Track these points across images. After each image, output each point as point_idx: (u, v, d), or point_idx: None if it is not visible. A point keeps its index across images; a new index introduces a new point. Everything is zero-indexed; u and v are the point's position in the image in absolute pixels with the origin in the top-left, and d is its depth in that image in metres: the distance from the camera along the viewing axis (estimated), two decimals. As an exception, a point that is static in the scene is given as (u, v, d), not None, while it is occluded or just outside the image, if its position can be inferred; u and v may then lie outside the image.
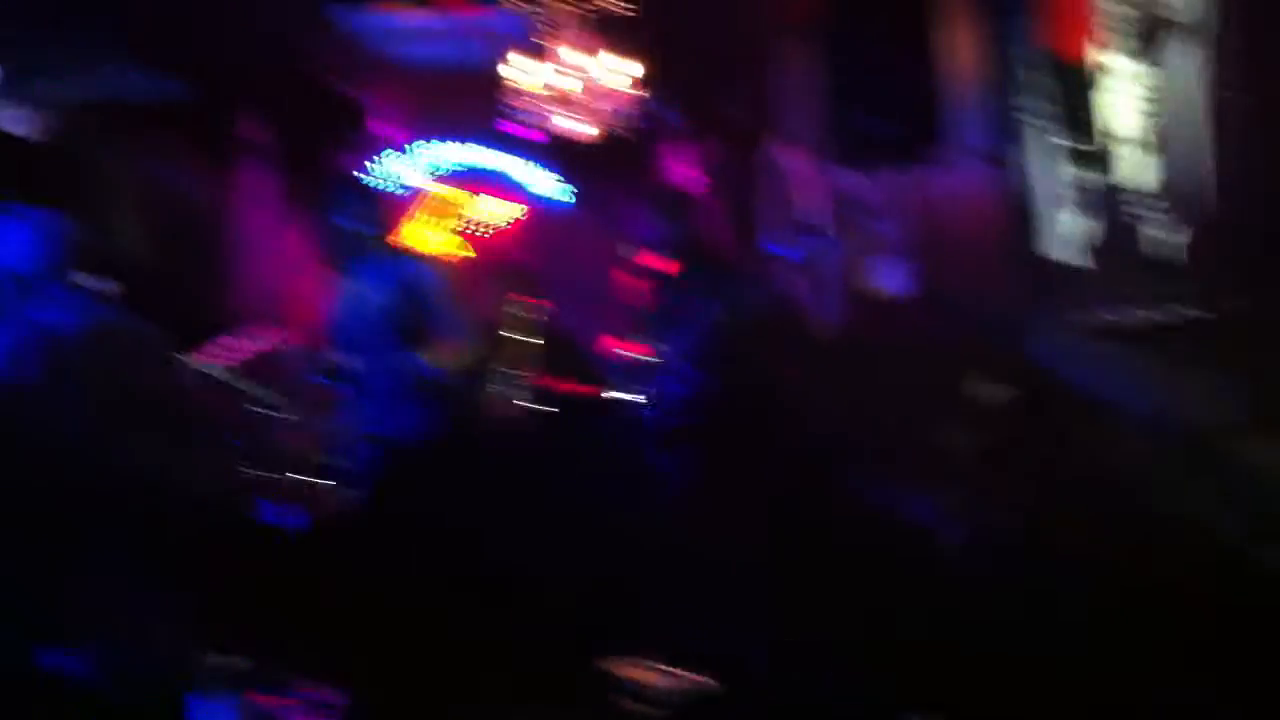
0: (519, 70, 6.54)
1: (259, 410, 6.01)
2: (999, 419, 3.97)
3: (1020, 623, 2.33)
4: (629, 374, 5.51)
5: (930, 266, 5.66)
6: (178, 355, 5.13)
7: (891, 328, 5.96)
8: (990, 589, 2.43)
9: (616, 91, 6.52)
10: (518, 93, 6.56)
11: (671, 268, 5.58)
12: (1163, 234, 4.38)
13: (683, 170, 7.73)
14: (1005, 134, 4.97)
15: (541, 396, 5.95)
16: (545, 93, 6.52)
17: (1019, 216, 5.17)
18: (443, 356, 4.83)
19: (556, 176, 8.01)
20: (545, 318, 6.07)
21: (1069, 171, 4.97)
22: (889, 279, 6.01)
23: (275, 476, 6.18)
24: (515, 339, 5.83)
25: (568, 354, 6.21)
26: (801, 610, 2.36)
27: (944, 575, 2.46)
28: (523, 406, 5.89)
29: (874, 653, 2.22)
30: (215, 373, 5.34)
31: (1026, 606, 2.37)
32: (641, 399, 5.38)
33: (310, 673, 5.29)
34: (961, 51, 5.08)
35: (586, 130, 6.60)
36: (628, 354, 5.55)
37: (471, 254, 7.68)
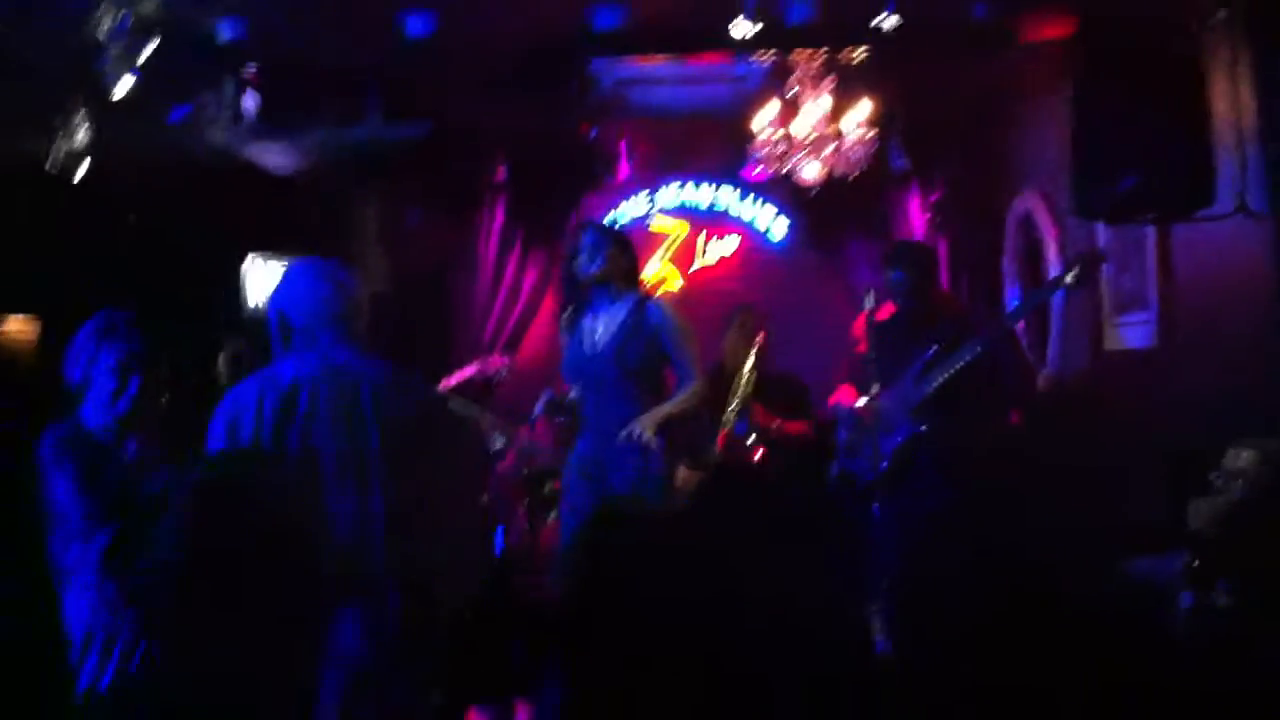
0: (758, 115, 6.54)
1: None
2: (1246, 483, 3.71)
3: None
4: (849, 420, 5.40)
5: (1181, 323, 5.40)
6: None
7: (1134, 383, 5.71)
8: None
9: (854, 138, 6.45)
10: (755, 136, 6.56)
11: (900, 314, 5.46)
12: None
13: (917, 217, 7.61)
14: (1272, 187, 4.70)
15: (767, 437, 5.91)
16: (782, 137, 6.50)
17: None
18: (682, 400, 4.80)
19: (789, 219, 7.98)
20: (770, 359, 6.03)
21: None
22: (1134, 334, 5.77)
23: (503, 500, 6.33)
24: (744, 379, 5.81)
25: (791, 396, 6.15)
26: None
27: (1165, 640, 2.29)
28: (755, 447, 5.86)
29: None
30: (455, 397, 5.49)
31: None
32: (859, 447, 5.27)
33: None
34: (1227, 102, 4.85)
35: (821, 174, 6.55)
36: (849, 400, 5.44)
37: (702, 294, 7.73)
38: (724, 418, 5.73)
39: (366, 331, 3.83)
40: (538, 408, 4.92)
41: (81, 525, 3.33)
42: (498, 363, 6.07)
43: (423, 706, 3.46)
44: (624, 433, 4.60)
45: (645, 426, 4.60)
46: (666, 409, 4.68)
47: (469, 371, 5.92)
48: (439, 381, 5.63)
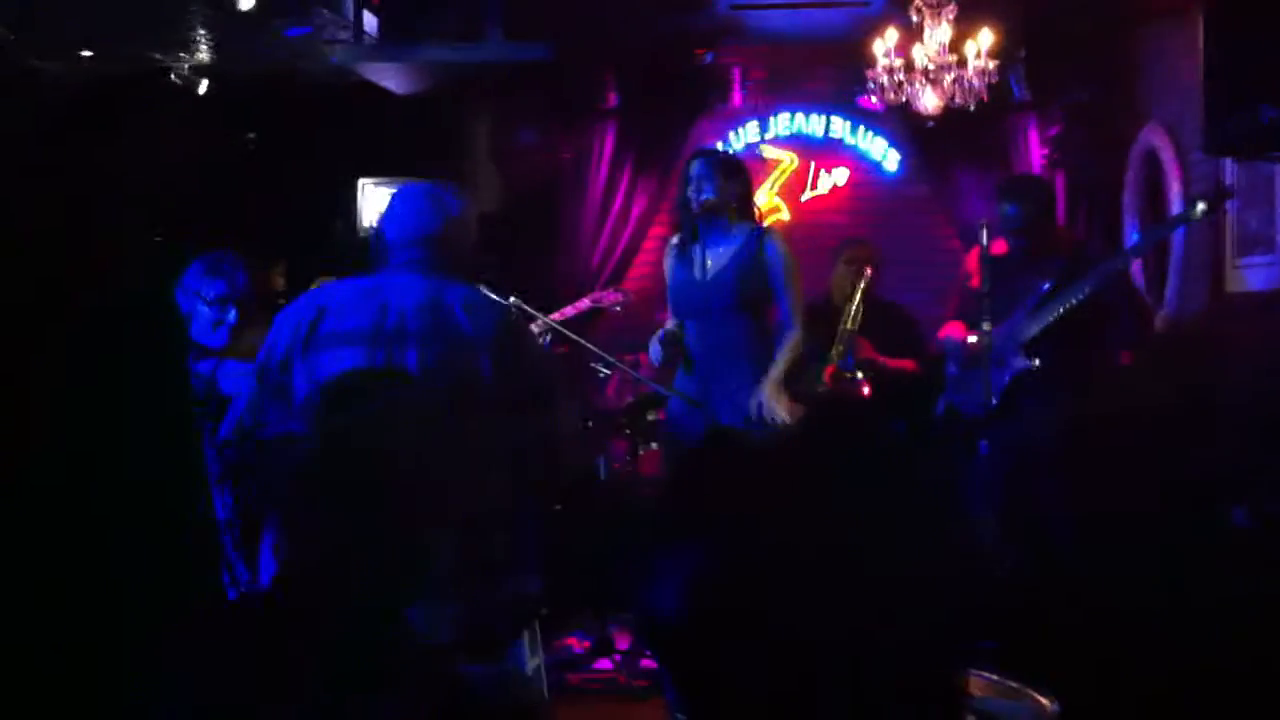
0: (876, 42, 6.43)
1: (595, 366, 6.19)
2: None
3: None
4: (959, 355, 5.33)
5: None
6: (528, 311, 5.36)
7: (1255, 326, 5.56)
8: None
9: (975, 68, 6.31)
10: (874, 64, 6.45)
11: (1013, 249, 5.35)
12: None
13: (1035, 150, 7.45)
14: None
15: (874, 372, 5.86)
16: (901, 65, 6.39)
17: None
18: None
19: (902, 151, 7.86)
20: (878, 294, 5.96)
21: None
22: (1257, 276, 5.61)
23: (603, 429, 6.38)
24: (851, 315, 5.75)
25: (899, 330, 6.09)
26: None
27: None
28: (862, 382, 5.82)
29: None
30: (554, 327, 5.51)
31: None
32: (968, 382, 5.20)
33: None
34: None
35: (939, 104, 6.43)
36: (959, 334, 5.37)
37: (812, 225, 7.66)
38: (830, 354, 5.69)
39: (473, 252, 3.87)
40: (654, 350, 4.90)
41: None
42: (612, 297, 6.07)
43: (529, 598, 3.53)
44: (754, 408, 4.59)
45: (773, 399, 4.61)
46: (780, 368, 4.67)
47: (583, 304, 5.93)
48: (552, 311, 5.65)
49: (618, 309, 6.14)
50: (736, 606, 1.61)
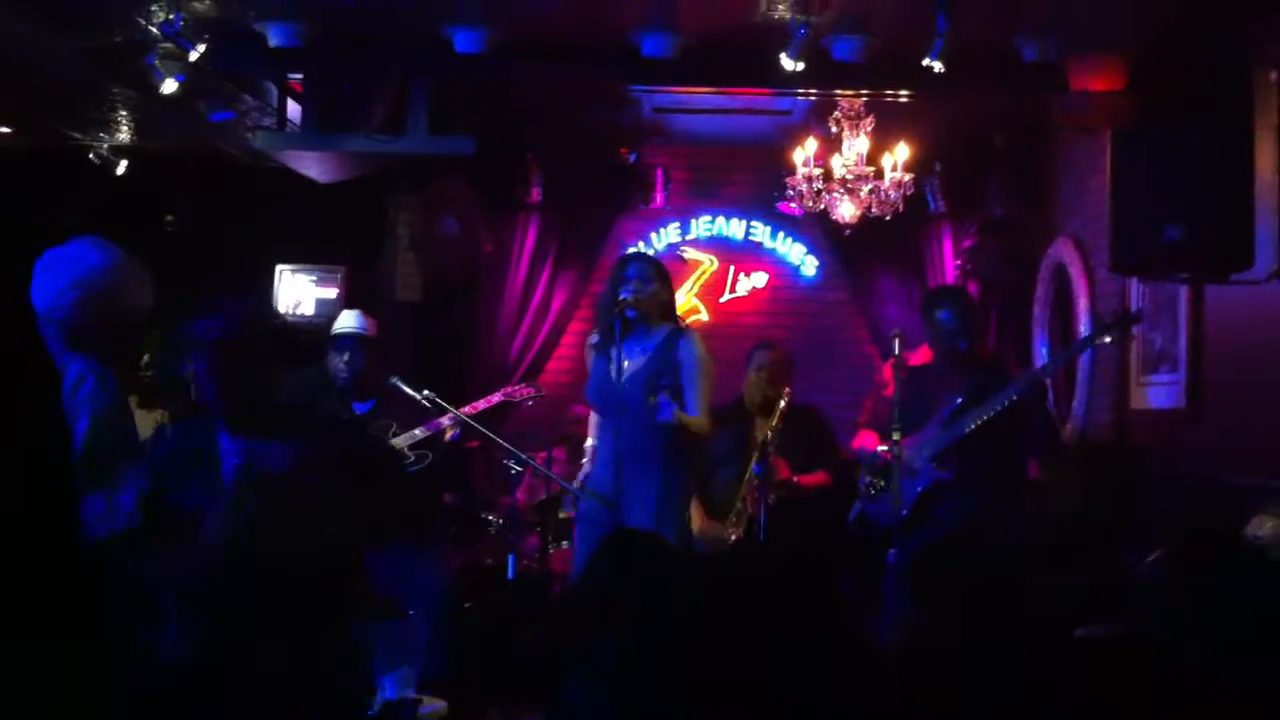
0: (796, 150, 6.55)
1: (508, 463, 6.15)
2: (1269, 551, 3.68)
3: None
4: (872, 464, 5.37)
5: (1209, 386, 5.36)
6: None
7: (1159, 443, 5.67)
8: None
9: (891, 179, 6.45)
10: (793, 171, 6.57)
11: (935, 359, 5.43)
12: None
13: (949, 260, 7.60)
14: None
15: (788, 492, 5.86)
16: (820, 173, 6.51)
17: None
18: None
19: (820, 257, 7.97)
20: (793, 400, 5.99)
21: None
22: (1160, 394, 5.73)
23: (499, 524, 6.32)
24: (770, 433, 5.77)
25: (814, 435, 6.11)
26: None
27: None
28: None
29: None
30: (466, 421, 5.49)
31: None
32: (880, 491, 5.24)
33: None
34: (1270, 164, 4.82)
35: (856, 213, 6.55)
36: (872, 444, 5.40)
37: (730, 327, 7.72)
38: (747, 473, 5.72)
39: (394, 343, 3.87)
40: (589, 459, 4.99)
41: None
42: (525, 391, 6.05)
43: None
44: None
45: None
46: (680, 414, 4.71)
47: (495, 399, 5.91)
48: (463, 404, 5.62)
49: (530, 403, 6.12)
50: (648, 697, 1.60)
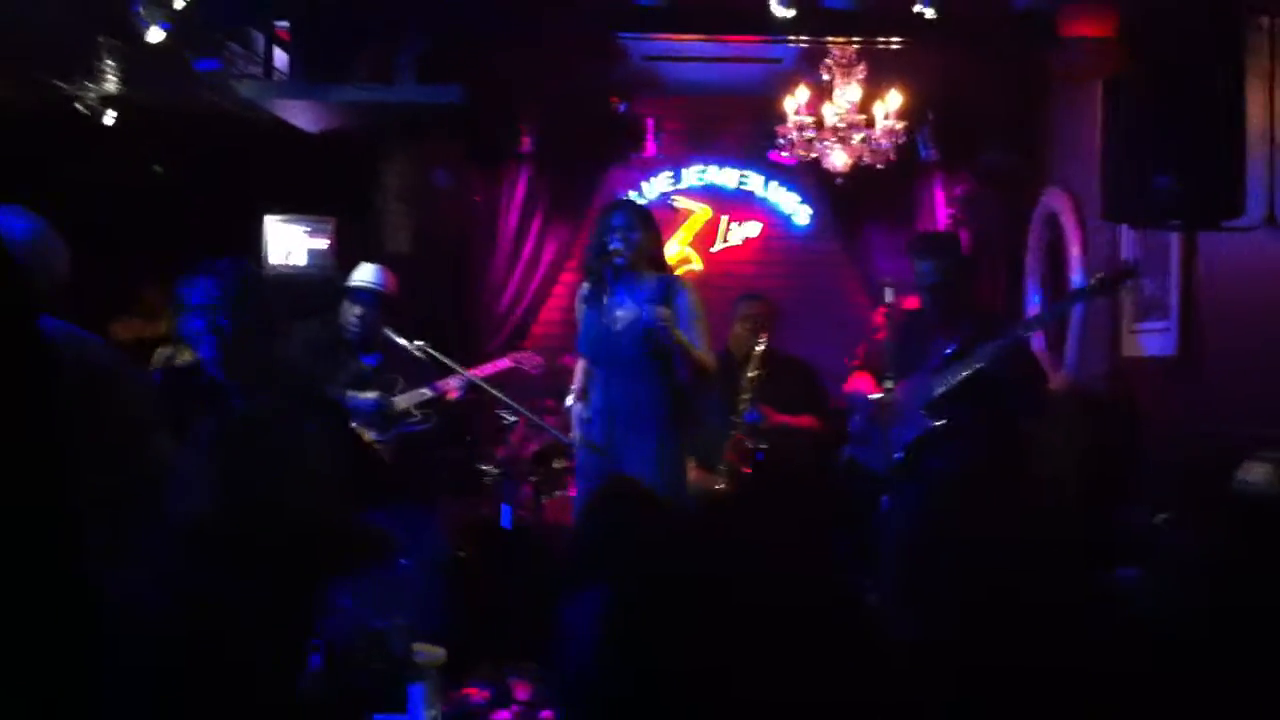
0: (788, 99, 6.52)
1: (501, 413, 6.16)
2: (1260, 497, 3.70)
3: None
4: (864, 409, 5.38)
5: (1201, 333, 5.37)
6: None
7: (1151, 391, 5.69)
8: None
9: (884, 128, 6.43)
10: (785, 120, 6.54)
11: (925, 307, 5.43)
12: None
13: (941, 209, 7.59)
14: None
15: (776, 435, 5.88)
16: (812, 122, 6.48)
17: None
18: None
19: (812, 206, 7.96)
20: (778, 350, 6.01)
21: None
22: (1153, 342, 5.74)
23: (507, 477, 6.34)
24: (750, 378, 5.79)
25: (800, 384, 6.13)
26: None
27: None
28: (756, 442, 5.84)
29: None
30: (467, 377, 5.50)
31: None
32: (871, 436, 5.25)
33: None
34: (1262, 111, 4.81)
35: (848, 162, 6.53)
36: (865, 388, 5.42)
37: (722, 277, 7.72)
38: (733, 419, 5.73)
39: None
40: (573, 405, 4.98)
41: None
42: (533, 359, 6.02)
43: None
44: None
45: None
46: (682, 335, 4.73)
47: (503, 364, 5.89)
48: (458, 357, 5.62)
49: (536, 371, 6.10)
50: (642, 650, 1.61)
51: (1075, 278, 6.35)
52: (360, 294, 5.57)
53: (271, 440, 2.21)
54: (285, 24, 6.01)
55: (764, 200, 8.05)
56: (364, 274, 5.62)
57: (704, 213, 8.03)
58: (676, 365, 4.74)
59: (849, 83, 6.43)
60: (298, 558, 2.16)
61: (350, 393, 5.50)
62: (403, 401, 5.57)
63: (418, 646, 3.88)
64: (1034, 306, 6.89)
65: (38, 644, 1.46)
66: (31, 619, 1.45)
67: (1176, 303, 5.50)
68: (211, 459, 2.17)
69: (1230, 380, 5.01)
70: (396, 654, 3.78)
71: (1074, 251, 6.45)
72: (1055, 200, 6.72)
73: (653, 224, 4.97)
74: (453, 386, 5.62)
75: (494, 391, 5.50)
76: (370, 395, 5.51)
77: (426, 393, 5.59)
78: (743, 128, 7.84)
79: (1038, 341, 6.32)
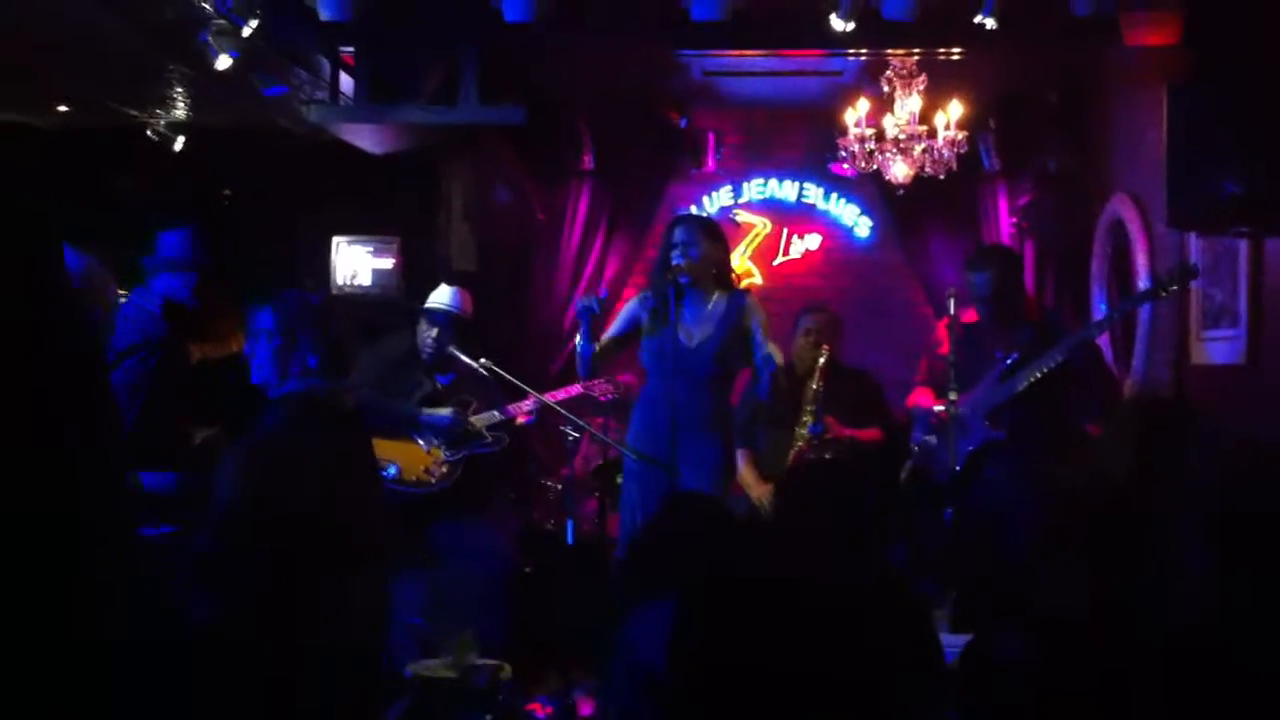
0: (848, 111, 6.52)
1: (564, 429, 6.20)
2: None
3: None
4: (926, 422, 5.36)
5: (1271, 340, 5.30)
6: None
7: (1219, 400, 5.61)
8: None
9: (945, 138, 6.40)
10: (845, 132, 6.54)
11: (982, 318, 5.40)
12: None
13: (1004, 218, 7.54)
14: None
15: (841, 448, 5.86)
16: (872, 134, 6.47)
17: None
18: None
19: (873, 218, 7.94)
20: (841, 364, 5.99)
21: None
22: (1221, 349, 5.67)
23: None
24: (813, 391, 5.78)
25: (864, 398, 6.11)
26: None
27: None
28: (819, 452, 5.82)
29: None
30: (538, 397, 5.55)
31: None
32: (934, 449, 5.24)
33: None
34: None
35: (909, 173, 6.51)
36: (927, 402, 5.40)
37: (784, 290, 7.71)
38: (797, 432, 5.72)
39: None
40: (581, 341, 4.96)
41: None
42: (603, 387, 6.05)
43: None
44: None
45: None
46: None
47: (574, 390, 5.93)
48: (536, 386, 5.66)
49: (606, 398, 6.13)
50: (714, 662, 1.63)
51: (1142, 284, 6.28)
52: (436, 315, 5.65)
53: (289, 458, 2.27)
54: (350, 50, 6.10)
55: (825, 213, 8.04)
56: (441, 296, 5.70)
57: (765, 226, 8.04)
58: (760, 385, 4.79)
59: (909, 94, 6.41)
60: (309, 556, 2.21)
61: (426, 410, 5.58)
62: (477, 422, 5.64)
63: (481, 661, 3.93)
64: (1100, 314, 6.82)
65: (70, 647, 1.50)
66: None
67: (1245, 310, 5.43)
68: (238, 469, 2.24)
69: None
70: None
71: (1140, 259, 6.38)
72: (1120, 206, 6.65)
73: (718, 238, 5.00)
74: (524, 410, 5.69)
75: (559, 409, 5.54)
76: (445, 412, 5.58)
77: (498, 415, 5.67)
78: (802, 141, 7.85)
79: (1105, 348, 6.26)
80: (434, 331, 5.63)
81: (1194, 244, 5.84)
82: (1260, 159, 4.74)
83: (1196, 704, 2.05)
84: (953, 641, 2.40)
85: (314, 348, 4.01)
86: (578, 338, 4.99)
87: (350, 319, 6.74)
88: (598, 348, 4.95)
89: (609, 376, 6.21)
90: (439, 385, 5.68)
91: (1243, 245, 5.42)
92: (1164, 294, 5.12)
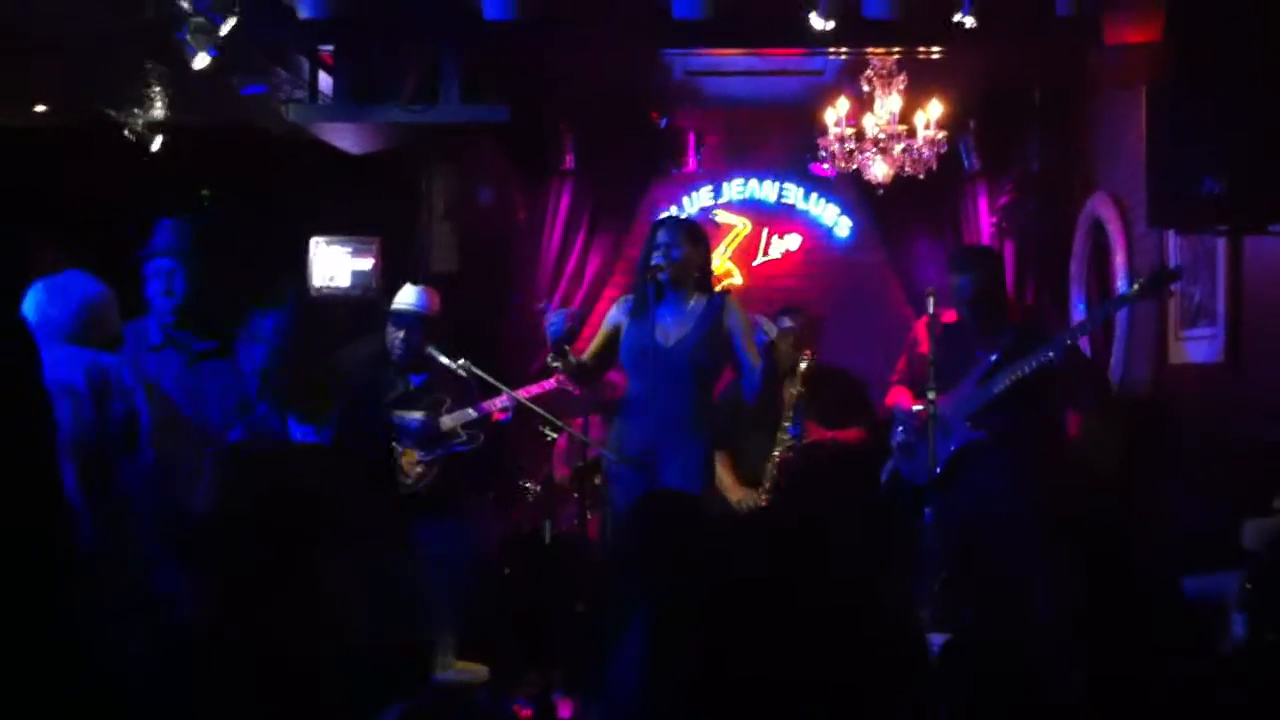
0: (828, 110, 6.52)
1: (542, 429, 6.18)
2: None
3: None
4: (906, 422, 5.36)
5: (1249, 339, 5.31)
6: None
7: (1198, 398, 5.63)
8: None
9: (925, 138, 6.41)
10: (825, 132, 6.54)
11: (963, 319, 5.41)
12: None
13: (984, 218, 7.55)
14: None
15: (816, 446, 5.86)
16: (852, 133, 6.47)
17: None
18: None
19: (854, 218, 7.94)
20: (827, 358, 5.99)
21: None
22: (1199, 349, 5.68)
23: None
24: (794, 394, 5.77)
25: (845, 397, 6.11)
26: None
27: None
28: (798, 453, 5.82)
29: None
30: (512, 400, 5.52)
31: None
32: (914, 449, 5.23)
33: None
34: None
35: (889, 173, 6.51)
36: (906, 402, 5.40)
37: (764, 290, 7.71)
38: (777, 436, 5.72)
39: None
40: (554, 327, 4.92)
41: None
42: (578, 391, 6.04)
43: None
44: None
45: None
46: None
47: (548, 385, 5.91)
48: (515, 386, 5.64)
49: (578, 392, 6.11)
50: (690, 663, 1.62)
51: (1121, 284, 6.29)
52: (403, 317, 5.62)
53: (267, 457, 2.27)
54: (330, 48, 6.07)
55: (805, 213, 8.04)
56: (406, 297, 5.66)
57: (744, 226, 8.03)
58: (744, 386, 4.78)
59: (889, 93, 6.42)
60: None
61: (397, 412, 5.55)
62: (449, 421, 5.62)
63: (460, 665, 3.91)
64: (1079, 314, 6.84)
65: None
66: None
67: (1223, 309, 5.44)
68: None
69: (1278, 386, 4.95)
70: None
71: (1119, 258, 6.39)
72: (1100, 206, 6.67)
73: (701, 242, 5.00)
74: (498, 407, 5.67)
75: (537, 409, 5.52)
76: (417, 415, 5.56)
77: (472, 413, 5.64)
78: (783, 140, 7.85)
79: (1084, 347, 6.27)
80: (401, 333, 5.61)
81: (1173, 243, 5.85)
82: (1239, 157, 4.76)
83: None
84: (933, 640, 2.40)
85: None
86: (549, 357, 4.98)
87: (326, 322, 6.71)
88: (583, 360, 4.96)
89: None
90: (411, 386, 5.66)
91: (1221, 244, 5.44)
92: (1147, 297, 5.13)
